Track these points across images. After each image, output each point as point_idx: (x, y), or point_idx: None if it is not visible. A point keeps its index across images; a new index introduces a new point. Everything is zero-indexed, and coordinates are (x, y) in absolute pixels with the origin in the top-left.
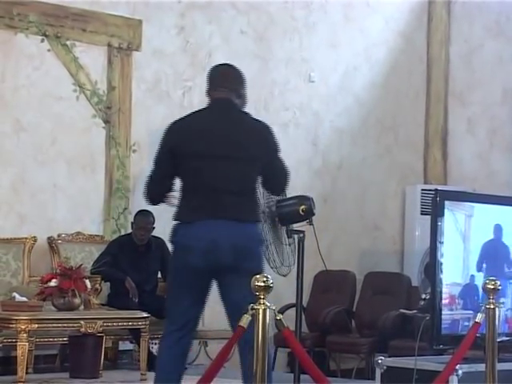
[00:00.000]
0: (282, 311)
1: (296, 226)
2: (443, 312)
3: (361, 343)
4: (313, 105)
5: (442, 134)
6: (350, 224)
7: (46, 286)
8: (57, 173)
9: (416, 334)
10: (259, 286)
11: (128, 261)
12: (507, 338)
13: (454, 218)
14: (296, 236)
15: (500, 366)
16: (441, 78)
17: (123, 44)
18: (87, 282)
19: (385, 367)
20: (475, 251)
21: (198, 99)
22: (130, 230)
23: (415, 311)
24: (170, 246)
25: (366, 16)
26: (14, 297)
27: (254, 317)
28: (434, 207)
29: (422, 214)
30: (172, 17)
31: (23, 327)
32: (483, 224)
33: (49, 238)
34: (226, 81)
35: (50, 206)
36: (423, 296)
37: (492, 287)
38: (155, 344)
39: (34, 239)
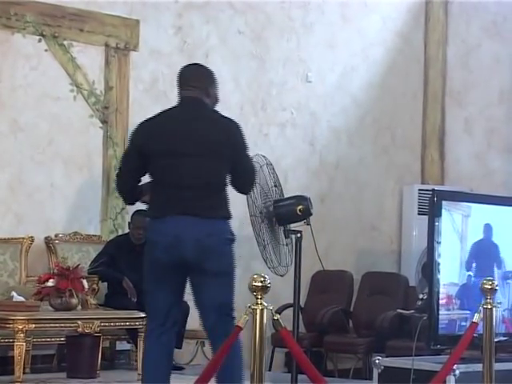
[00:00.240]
0: (279, 311)
1: (293, 226)
2: (440, 312)
3: (358, 343)
4: (310, 105)
5: (439, 134)
6: (347, 224)
7: (43, 286)
8: (54, 173)
9: (413, 334)
10: (257, 286)
11: (125, 261)
12: (504, 338)
13: (451, 218)
14: (293, 236)
15: (497, 366)
16: (438, 78)
17: (120, 44)
18: (84, 282)
19: (382, 367)
20: None
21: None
22: (127, 230)
23: (412, 311)
24: None
25: (363, 16)
26: (13, 296)
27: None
28: (432, 207)
29: (419, 214)
30: (169, 17)
31: (20, 327)
32: (480, 224)
33: (46, 238)
34: (194, 80)
35: (47, 205)
36: (420, 296)
37: (489, 287)
38: None
39: (31, 239)
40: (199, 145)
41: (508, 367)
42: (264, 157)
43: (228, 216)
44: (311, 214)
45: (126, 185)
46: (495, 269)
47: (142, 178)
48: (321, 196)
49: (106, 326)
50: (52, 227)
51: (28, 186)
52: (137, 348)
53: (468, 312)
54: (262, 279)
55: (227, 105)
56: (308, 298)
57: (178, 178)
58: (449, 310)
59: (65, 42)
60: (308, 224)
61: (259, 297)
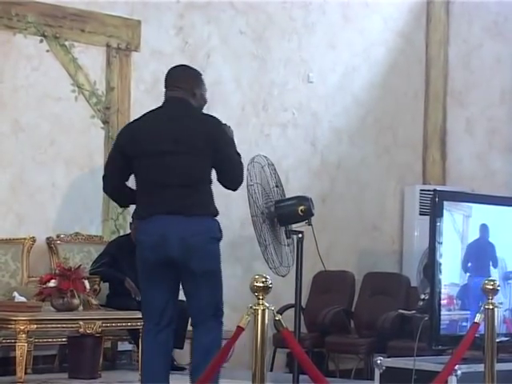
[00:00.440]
0: (280, 312)
1: (295, 227)
2: (442, 312)
3: (360, 343)
4: (311, 105)
5: (441, 134)
6: (348, 224)
7: (44, 286)
8: (55, 173)
9: (415, 335)
10: (258, 286)
11: (127, 261)
12: (506, 339)
13: (452, 218)
14: (295, 236)
15: (499, 367)
16: (439, 78)
17: (122, 44)
18: (86, 282)
19: (384, 367)
20: None
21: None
22: (128, 231)
23: (414, 311)
24: None
25: (364, 16)
26: (14, 297)
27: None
28: (433, 208)
29: (420, 214)
30: (170, 17)
31: (22, 328)
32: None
33: (47, 239)
34: (180, 81)
35: (49, 206)
36: (422, 296)
37: (491, 288)
38: None
39: (33, 240)
40: (179, 143)
41: (509, 367)
42: (265, 157)
43: (214, 213)
44: (313, 215)
45: (110, 185)
46: (491, 268)
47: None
48: (322, 196)
49: (107, 326)
50: (53, 228)
51: (29, 186)
52: (138, 348)
53: (469, 312)
54: (264, 280)
55: (228, 105)
56: (309, 298)
57: (161, 177)
58: (450, 310)
59: (66, 43)
60: (309, 224)
61: (261, 297)
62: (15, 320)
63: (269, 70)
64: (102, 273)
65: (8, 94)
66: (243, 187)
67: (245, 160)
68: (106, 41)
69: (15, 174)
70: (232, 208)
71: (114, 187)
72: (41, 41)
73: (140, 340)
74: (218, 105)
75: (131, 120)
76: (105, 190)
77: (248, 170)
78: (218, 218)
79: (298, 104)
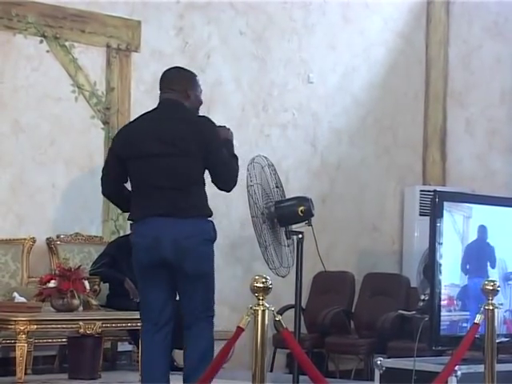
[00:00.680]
0: (280, 312)
1: (295, 227)
2: (442, 313)
3: (360, 344)
4: (311, 105)
5: (441, 134)
6: (348, 225)
7: (44, 286)
8: (55, 173)
9: (415, 335)
10: (258, 287)
11: (127, 262)
12: (506, 339)
13: (452, 219)
14: (295, 237)
15: (499, 367)
16: (439, 79)
17: (122, 45)
18: (86, 282)
19: (384, 368)
20: None
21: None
22: (128, 231)
23: (414, 312)
24: None
25: (364, 17)
26: (14, 297)
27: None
28: (433, 208)
29: (420, 214)
30: (171, 17)
31: (22, 328)
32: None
33: (47, 239)
34: (172, 83)
35: (49, 206)
36: (422, 297)
37: (491, 288)
38: None
39: (33, 240)
40: (171, 145)
41: (510, 368)
42: (265, 158)
43: (207, 214)
44: (313, 215)
45: (107, 189)
46: (489, 269)
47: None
48: (322, 197)
49: (107, 326)
50: (54, 228)
51: (29, 186)
52: (138, 349)
53: (469, 313)
54: (264, 280)
55: (228, 106)
56: (309, 298)
57: (153, 179)
58: (450, 311)
59: (66, 43)
60: (309, 225)
61: (261, 298)
62: (15, 320)
63: (269, 70)
64: (101, 273)
65: (8, 94)
66: (243, 188)
67: (245, 161)
68: (106, 41)
69: (15, 175)
70: (232, 209)
71: (111, 190)
72: (41, 41)
73: (140, 340)
74: (218, 105)
75: (131, 120)
76: (103, 192)
77: (248, 170)
78: (217, 218)
79: (298, 104)
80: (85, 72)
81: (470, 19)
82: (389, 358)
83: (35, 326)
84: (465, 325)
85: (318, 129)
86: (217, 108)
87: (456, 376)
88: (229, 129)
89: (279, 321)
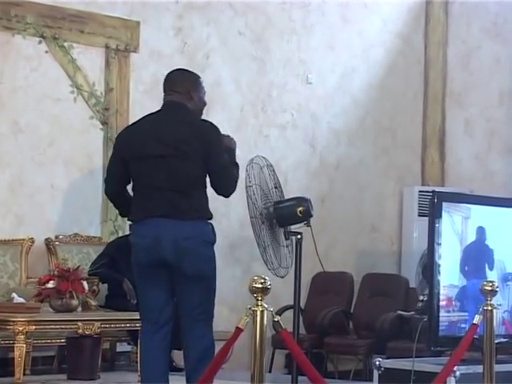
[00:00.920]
0: (279, 313)
1: (294, 228)
2: (440, 314)
3: (358, 345)
4: (310, 106)
5: (440, 135)
6: (347, 225)
7: (43, 287)
8: (54, 174)
9: (414, 336)
10: (257, 287)
11: (126, 262)
12: (504, 340)
13: (450, 219)
14: (294, 237)
15: (497, 368)
16: (438, 79)
17: (121, 45)
18: (85, 283)
19: (382, 369)
20: None
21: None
22: (127, 232)
23: (413, 313)
24: None
25: (363, 17)
26: (13, 297)
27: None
28: (432, 209)
29: (419, 215)
30: (169, 18)
31: (21, 329)
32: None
33: (46, 240)
34: (175, 85)
35: (48, 207)
36: (421, 297)
37: (489, 289)
38: None
39: (32, 240)
40: (173, 147)
41: (508, 369)
42: (264, 158)
43: (207, 216)
44: (311, 216)
45: (111, 189)
46: (487, 270)
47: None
48: (321, 197)
49: (106, 327)
50: (52, 228)
51: (28, 187)
52: (137, 349)
53: (467, 314)
54: (263, 281)
55: (227, 106)
56: (308, 299)
57: (154, 180)
58: (449, 311)
59: (65, 44)
60: (308, 225)
61: (259, 298)
62: (14, 321)
63: (268, 71)
64: (100, 274)
65: (7, 94)
66: (242, 188)
67: (244, 161)
68: (104, 42)
69: (14, 175)
70: (231, 209)
71: (114, 190)
72: (40, 42)
73: (139, 341)
74: (217, 106)
75: (130, 121)
76: (106, 192)
77: (247, 171)
78: (217, 218)
79: (297, 105)
80: (84, 72)
81: (469, 20)
82: (388, 358)
83: (34, 327)
84: (463, 325)
85: (316, 129)
86: (216, 108)
87: (455, 376)
88: (232, 138)
89: (278, 321)
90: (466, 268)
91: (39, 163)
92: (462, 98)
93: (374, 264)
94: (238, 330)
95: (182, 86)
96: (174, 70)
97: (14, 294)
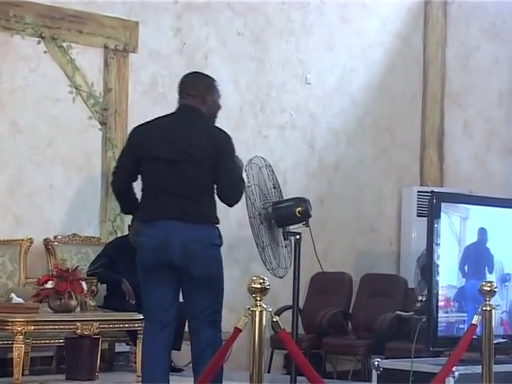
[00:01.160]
0: (278, 313)
1: (292, 228)
2: (439, 314)
3: (357, 345)
4: (309, 106)
5: (439, 135)
6: (346, 225)
7: (42, 287)
8: (53, 174)
9: (412, 336)
10: (256, 287)
11: (124, 263)
12: (503, 340)
13: (449, 220)
14: (292, 238)
15: (496, 368)
16: (437, 80)
17: (119, 46)
18: (83, 283)
19: (381, 369)
20: None
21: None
22: (126, 232)
23: (411, 313)
24: None
25: (362, 17)
26: (12, 298)
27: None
28: (431, 209)
29: (418, 215)
30: (168, 18)
31: (19, 329)
32: (478, 227)
33: (45, 240)
34: (191, 88)
35: (47, 207)
36: (419, 298)
37: (488, 289)
38: None
39: (31, 241)
40: (184, 152)
41: (507, 369)
42: (263, 158)
43: (214, 221)
44: (310, 216)
45: (117, 185)
46: (486, 273)
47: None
48: (320, 197)
49: (105, 327)
50: (51, 229)
51: (27, 187)
52: (136, 350)
53: (466, 315)
54: (261, 281)
55: (226, 106)
56: (307, 299)
57: (164, 183)
58: (447, 312)
59: (64, 44)
60: (307, 226)
61: (258, 299)
62: (12, 321)
63: (267, 71)
64: (99, 274)
65: (6, 95)
66: None
67: (242, 161)
68: (103, 42)
69: (13, 176)
70: (230, 209)
71: (121, 186)
72: (38, 42)
73: (137, 341)
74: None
75: (129, 121)
76: (112, 186)
77: (246, 171)
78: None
79: (296, 105)
80: (82, 73)
81: (468, 20)
82: (386, 358)
83: (32, 327)
84: (462, 326)
85: (315, 130)
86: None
87: (453, 377)
88: (240, 159)
89: (277, 322)
90: (466, 268)
91: (38, 163)
92: (460, 99)
93: (373, 264)
94: (237, 331)
95: (196, 89)
96: (188, 73)
97: (13, 295)
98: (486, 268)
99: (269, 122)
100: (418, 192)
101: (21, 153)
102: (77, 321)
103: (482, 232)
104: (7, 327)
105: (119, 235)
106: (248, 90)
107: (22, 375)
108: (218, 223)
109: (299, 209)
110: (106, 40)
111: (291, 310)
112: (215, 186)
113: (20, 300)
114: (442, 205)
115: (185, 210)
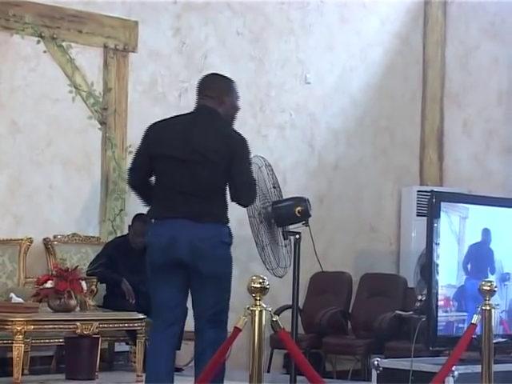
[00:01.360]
0: (278, 313)
1: (292, 228)
2: (439, 314)
3: (357, 344)
4: (309, 106)
5: (438, 135)
6: (345, 225)
7: (41, 287)
8: (53, 174)
9: (412, 336)
10: (255, 287)
11: (124, 262)
12: (503, 340)
13: (448, 219)
14: (292, 237)
15: (496, 368)
16: (437, 79)
17: (119, 45)
18: (83, 283)
19: (381, 368)
20: None
21: (194, 101)
22: (126, 232)
23: (411, 312)
24: None
25: (361, 17)
26: (11, 297)
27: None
28: (430, 209)
29: (417, 215)
30: (168, 18)
31: (19, 329)
32: (478, 226)
33: (45, 240)
34: (207, 89)
35: (46, 207)
36: (419, 297)
37: (488, 289)
38: None
39: (30, 240)
40: (198, 153)
41: (506, 368)
42: (263, 158)
43: (224, 220)
44: (310, 216)
45: (133, 181)
46: (489, 274)
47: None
48: (320, 197)
49: (104, 327)
50: (51, 228)
51: (27, 187)
52: (136, 349)
53: (465, 314)
54: (261, 280)
55: None
56: (307, 299)
57: (176, 182)
58: (447, 311)
59: (63, 44)
60: (307, 225)
61: (258, 298)
62: (12, 321)
63: (266, 71)
64: (99, 274)
65: (5, 94)
66: None
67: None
68: (103, 42)
69: (12, 175)
70: (229, 209)
71: (136, 182)
72: (38, 42)
73: (138, 340)
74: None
75: (128, 121)
76: (129, 183)
77: None
78: None
79: (296, 105)
80: (82, 72)
81: (467, 20)
82: (386, 358)
83: (32, 327)
84: (461, 325)
85: (315, 129)
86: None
87: (453, 376)
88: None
89: (276, 321)
90: (469, 266)
91: (37, 163)
92: (460, 98)
93: (373, 264)
94: (237, 330)
95: (213, 90)
96: (207, 74)
97: (13, 294)
98: (489, 269)
99: (268, 122)
100: (418, 192)
101: (20, 153)
102: (76, 320)
103: (486, 232)
104: (7, 327)
105: (119, 235)
106: (247, 90)
107: (22, 375)
108: (227, 223)
109: (299, 208)
110: (106, 40)
111: (291, 310)
112: (229, 188)
113: (20, 300)
114: (442, 204)
115: (194, 208)
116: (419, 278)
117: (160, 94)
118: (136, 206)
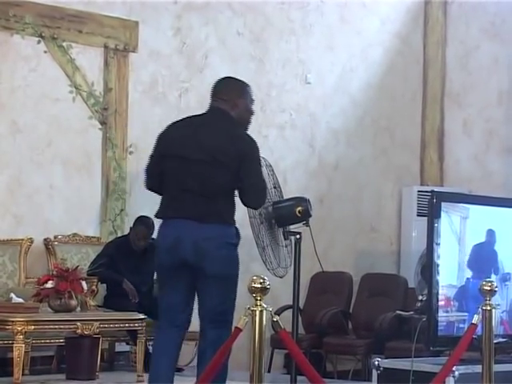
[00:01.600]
0: (278, 313)
1: (292, 228)
2: (439, 314)
3: (357, 344)
4: (309, 106)
5: (438, 135)
6: (346, 225)
7: (42, 287)
8: (53, 174)
9: (412, 336)
10: (256, 287)
11: (124, 262)
12: (503, 340)
13: (449, 219)
14: (292, 237)
15: (496, 368)
16: (437, 80)
17: (120, 45)
18: (84, 283)
19: (381, 368)
20: None
21: (195, 101)
22: (126, 232)
23: (412, 312)
24: None
25: (362, 17)
26: (12, 298)
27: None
28: (431, 209)
29: (418, 215)
30: (168, 18)
31: (20, 329)
32: (478, 226)
33: (45, 240)
34: (220, 92)
35: (47, 207)
36: (420, 297)
37: (489, 289)
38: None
39: (31, 241)
40: (207, 154)
41: (507, 368)
42: (263, 158)
43: (230, 222)
44: (310, 216)
45: (149, 182)
46: (492, 275)
47: None
48: (320, 197)
49: (105, 327)
50: (51, 229)
51: (27, 187)
52: (136, 349)
53: (466, 314)
54: (262, 281)
55: None
56: (307, 299)
57: (182, 182)
58: (447, 311)
59: (64, 44)
60: (307, 225)
61: (258, 298)
62: (13, 321)
63: (266, 71)
64: (99, 274)
65: (6, 94)
66: None
67: None
68: (103, 42)
69: (13, 176)
70: None
71: (153, 183)
72: (38, 42)
73: (138, 341)
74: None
75: (129, 121)
76: (145, 183)
77: None
78: None
79: (296, 105)
80: (82, 72)
81: (468, 20)
82: (386, 358)
83: (33, 327)
84: (462, 325)
85: (315, 129)
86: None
87: (454, 376)
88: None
89: (277, 321)
90: (475, 265)
91: (38, 163)
92: (460, 98)
93: (373, 264)
94: (237, 330)
95: (226, 93)
96: (222, 78)
97: (13, 294)
98: (492, 270)
99: (269, 122)
100: (418, 192)
101: (21, 153)
102: (77, 320)
103: (491, 233)
104: (7, 327)
105: (119, 235)
106: None
107: (23, 375)
108: (233, 223)
109: (299, 208)
110: (106, 40)
111: (291, 310)
112: (238, 190)
113: (20, 300)
114: (442, 204)
115: (200, 209)
116: (420, 278)
117: (160, 94)
118: (137, 206)
